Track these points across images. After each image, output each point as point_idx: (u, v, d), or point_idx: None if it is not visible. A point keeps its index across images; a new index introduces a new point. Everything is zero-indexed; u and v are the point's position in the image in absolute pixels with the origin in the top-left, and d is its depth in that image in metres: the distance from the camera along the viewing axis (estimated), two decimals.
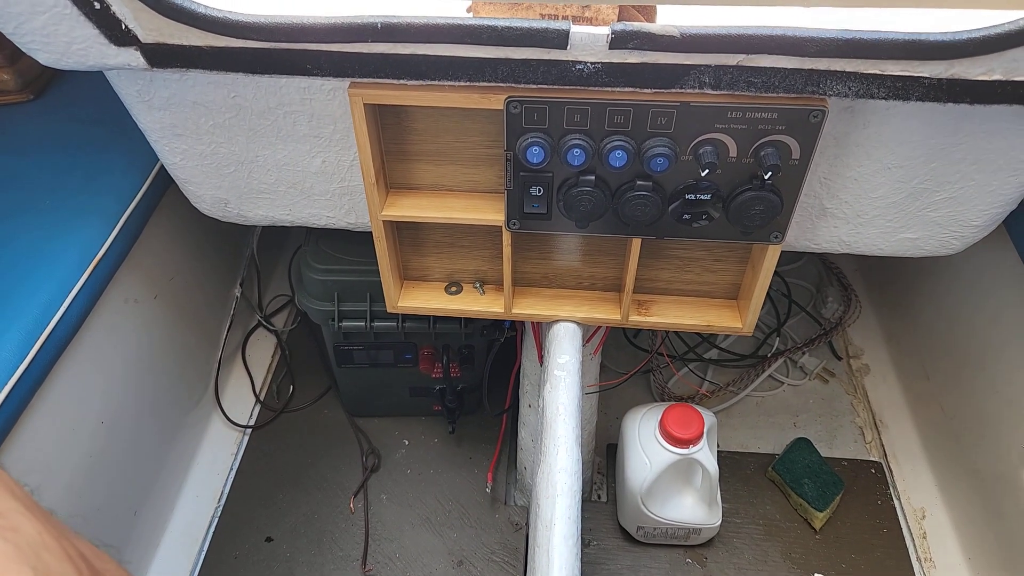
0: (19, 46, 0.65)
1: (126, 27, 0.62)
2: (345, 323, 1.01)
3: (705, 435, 1.01)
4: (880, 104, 0.70)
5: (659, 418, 1.03)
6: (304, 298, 1.01)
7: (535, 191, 0.73)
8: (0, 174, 0.94)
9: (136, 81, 0.74)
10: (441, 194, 0.80)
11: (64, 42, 0.64)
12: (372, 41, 0.62)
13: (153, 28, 0.63)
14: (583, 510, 0.75)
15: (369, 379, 1.18)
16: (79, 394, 0.89)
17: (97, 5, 0.60)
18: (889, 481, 1.21)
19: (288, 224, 0.91)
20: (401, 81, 0.67)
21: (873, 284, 1.46)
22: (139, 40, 0.64)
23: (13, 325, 0.77)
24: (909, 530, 1.15)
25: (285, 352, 1.37)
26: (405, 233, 0.86)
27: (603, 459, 1.26)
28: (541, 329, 0.96)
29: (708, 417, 1.04)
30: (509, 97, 0.66)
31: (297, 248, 1.06)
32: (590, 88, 0.64)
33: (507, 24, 0.59)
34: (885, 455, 1.24)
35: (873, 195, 0.78)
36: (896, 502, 1.18)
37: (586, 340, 0.96)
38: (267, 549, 1.13)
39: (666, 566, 1.12)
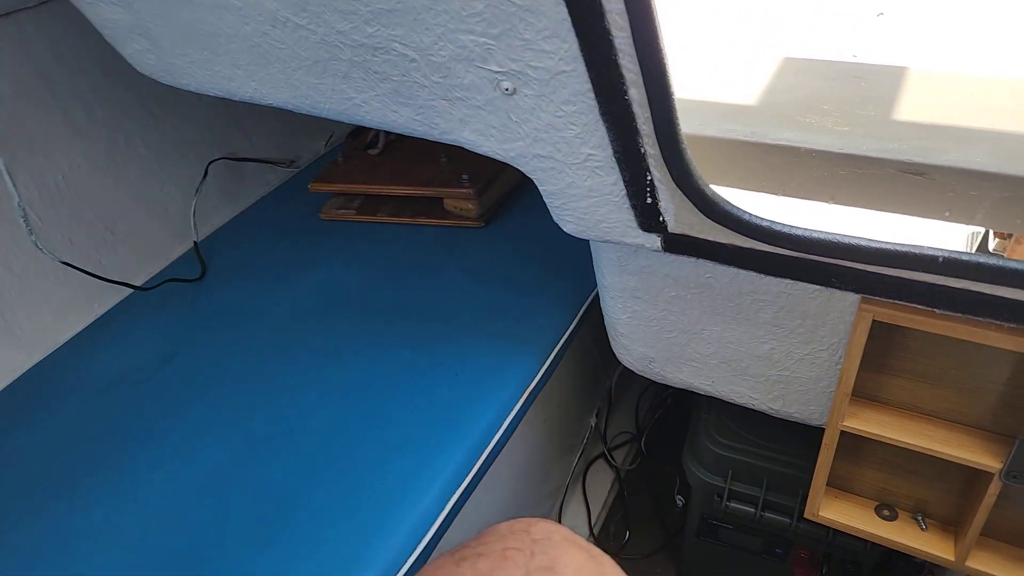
0: (553, 214, 0.73)
1: (663, 219, 0.66)
2: (732, 504, 0.95)
3: None
4: None
5: None
6: (693, 465, 0.98)
7: None
8: (457, 291, 1.07)
9: (622, 250, 0.79)
10: (915, 417, 0.72)
11: (596, 220, 0.70)
12: (923, 272, 0.59)
13: (686, 223, 0.66)
14: None
15: (722, 559, 1.10)
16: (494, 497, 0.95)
17: (649, 200, 0.65)
18: None
19: (704, 393, 0.90)
20: (919, 306, 0.62)
21: None
22: (667, 229, 0.67)
23: (462, 443, 0.85)
24: None
25: (623, 491, 1.35)
26: (846, 441, 0.79)
27: None
28: None
29: None
30: None
31: (692, 410, 1.04)
32: None
33: None
34: None
35: None
36: None
37: None
38: None
39: None
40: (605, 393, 1.43)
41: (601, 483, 1.39)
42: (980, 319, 0.60)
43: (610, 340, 0.94)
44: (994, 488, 0.68)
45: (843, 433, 0.79)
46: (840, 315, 0.69)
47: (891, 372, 0.72)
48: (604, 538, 1.30)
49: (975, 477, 0.70)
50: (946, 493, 0.76)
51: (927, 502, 0.78)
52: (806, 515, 0.81)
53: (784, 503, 0.93)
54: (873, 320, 0.65)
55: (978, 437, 0.69)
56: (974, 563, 0.74)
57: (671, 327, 0.85)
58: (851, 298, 0.66)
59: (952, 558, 0.74)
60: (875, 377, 0.73)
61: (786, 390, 0.82)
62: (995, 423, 0.68)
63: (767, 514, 0.94)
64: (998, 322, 0.59)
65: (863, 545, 0.91)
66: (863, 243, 0.59)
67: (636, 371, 0.94)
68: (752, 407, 0.87)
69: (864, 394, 0.74)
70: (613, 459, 1.40)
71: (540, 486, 1.19)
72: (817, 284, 0.65)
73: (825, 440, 0.75)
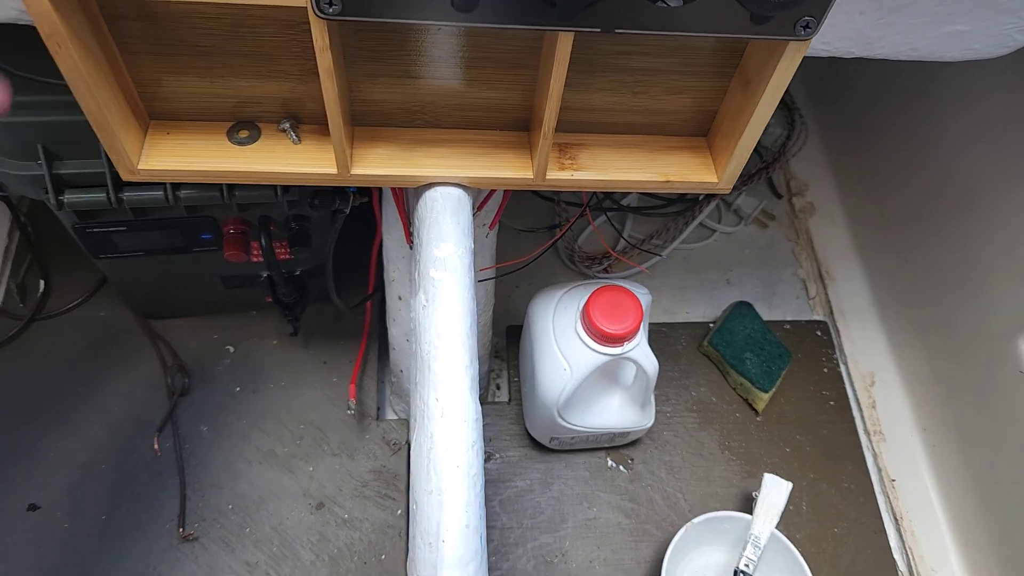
0: None
1: None
2: (71, 196, 0.60)
3: (642, 325, 0.73)
4: None
5: (581, 306, 0.74)
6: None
7: None
8: None
9: None
10: None
11: None
12: None
13: None
14: None
15: (154, 271, 0.80)
16: None
17: None
18: (835, 344, 1.02)
19: None
20: None
21: (822, 102, 1.18)
22: None
23: None
24: (857, 400, 0.98)
25: (28, 229, 0.93)
26: (132, 29, 0.45)
27: (501, 340, 0.98)
28: (407, 195, 0.61)
29: (644, 298, 0.76)
30: None
31: None
32: None
33: None
34: (832, 312, 1.05)
35: None
36: (842, 368, 1.00)
37: (477, 208, 0.62)
38: (32, 520, 0.79)
39: (585, 474, 0.89)
40: None
41: None
42: None
43: None
44: (322, 36, 0.41)
45: (95, 10, 0.44)
46: None
47: None
48: (11, 301, 0.91)
49: (304, 32, 0.43)
50: (304, 76, 0.49)
51: (295, 100, 0.51)
52: (122, 176, 0.49)
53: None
54: None
55: None
56: (363, 168, 0.51)
57: None
58: None
59: (333, 171, 0.51)
60: None
61: None
62: None
63: (129, 193, 0.62)
64: None
65: (272, 189, 0.66)
66: None
67: None
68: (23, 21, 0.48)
69: None
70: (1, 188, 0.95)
71: None
72: None
73: (42, 27, 0.40)
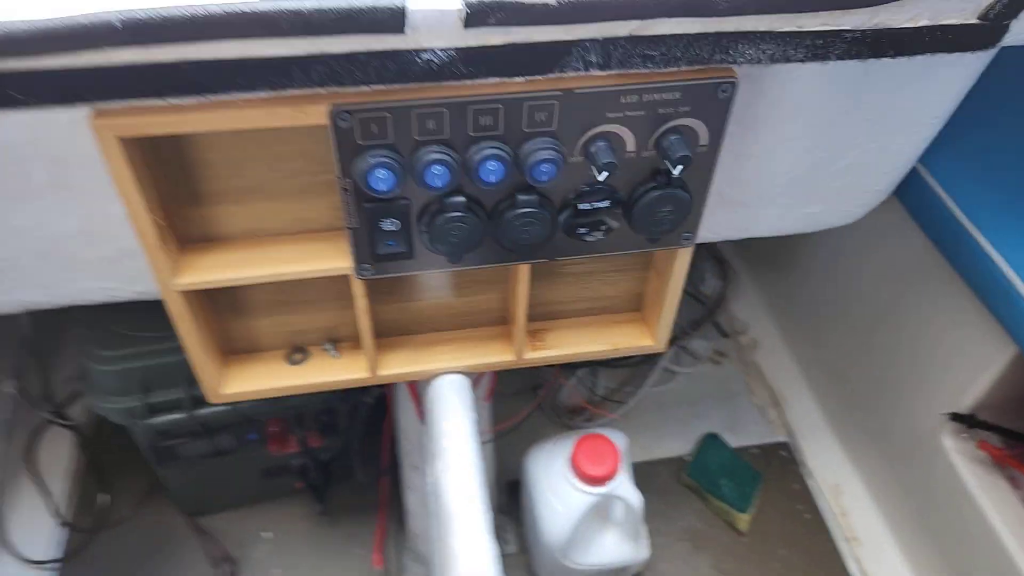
0: None
1: None
2: (158, 419, 0.77)
3: (621, 464, 0.88)
4: (783, 69, 0.59)
5: (568, 455, 0.89)
6: (98, 397, 0.76)
7: (388, 225, 0.55)
8: None
9: None
10: (261, 242, 0.59)
11: None
12: (112, 46, 0.41)
13: None
14: None
15: (205, 472, 0.94)
16: None
17: None
18: (799, 460, 1.16)
19: (52, 307, 0.66)
20: (170, 100, 0.45)
21: (747, 253, 1.41)
22: None
23: None
24: (830, 510, 1.10)
25: (90, 453, 1.08)
26: (219, 298, 0.64)
27: (504, 495, 1.11)
28: (419, 385, 0.78)
29: (621, 441, 0.91)
30: (334, 106, 0.47)
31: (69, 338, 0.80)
32: (444, 84, 0.47)
33: (318, 6, 0.41)
34: (791, 433, 1.20)
35: (775, 172, 0.68)
36: (811, 482, 1.13)
37: (475, 385, 0.79)
38: None
39: None
40: (19, 347, 1.08)
41: (60, 453, 1.09)
42: (249, 95, 0.46)
43: None
44: (359, 289, 0.60)
45: (208, 292, 0.63)
46: (71, 147, 0.51)
47: (211, 201, 0.57)
48: (80, 515, 1.03)
49: (344, 284, 0.62)
50: (341, 309, 0.68)
51: (332, 328, 0.70)
52: (209, 400, 0.66)
53: None
54: (120, 138, 0.47)
55: (332, 240, 0.59)
56: (388, 369, 0.69)
57: None
58: (68, 117, 0.47)
59: (367, 374, 0.68)
60: (200, 212, 0.57)
61: (140, 263, 0.62)
62: (338, 217, 0.60)
63: (201, 412, 0.78)
64: (272, 93, 0.46)
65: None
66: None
67: None
68: (121, 300, 0.67)
69: (201, 236, 0.59)
70: (68, 418, 1.10)
71: None
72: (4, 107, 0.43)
73: (171, 310, 0.58)
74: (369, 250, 0.56)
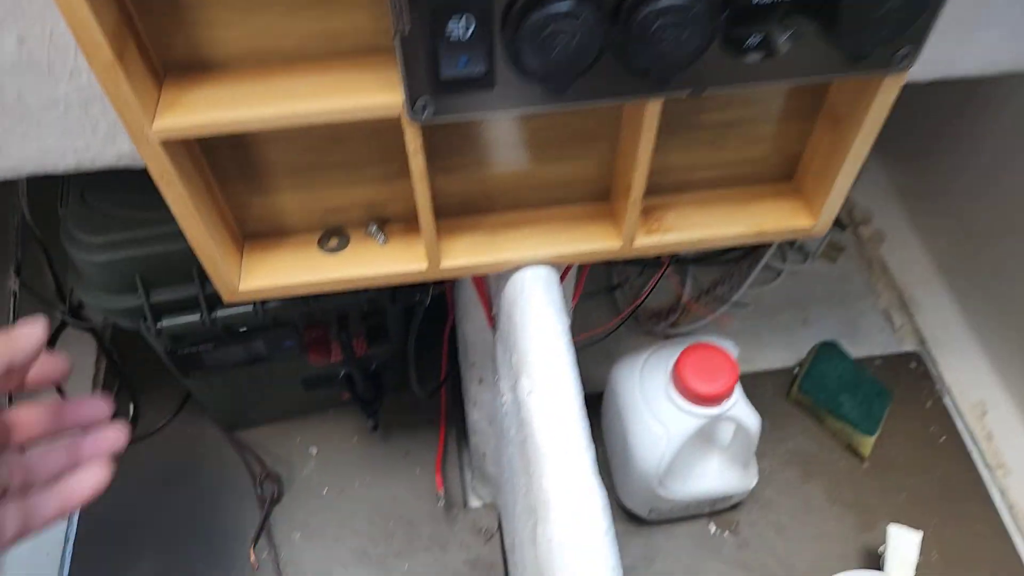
0: None
1: None
2: (166, 322, 0.61)
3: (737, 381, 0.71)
4: None
5: (670, 368, 0.71)
6: (86, 294, 0.61)
7: (458, 30, 0.35)
8: None
9: None
10: (271, 70, 0.41)
11: None
12: None
13: None
14: None
15: (237, 382, 0.80)
16: None
17: None
18: (934, 375, 0.97)
19: (9, 178, 0.50)
20: None
21: None
22: None
23: None
24: (970, 433, 0.92)
25: (113, 356, 0.95)
26: (224, 159, 0.47)
27: None
28: (488, 278, 0.61)
29: (734, 350, 0.74)
30: None
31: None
32: None
33: None
34: (923, 342, 1.00)
35: None
36: (948, 400, 0.95)
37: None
38: None
39: (689, 545, 0.85)
40: (19, 235, 0.94)
41: (80, 358, 0.97)
42: None
43: None
44: (414, 139, 0.42)
45: (206, 146, 0.46)
46: None
47: (197, 2, 0.38)
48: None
49: (392, 135, 0.44)
50: (386, 179, 0.50)
51: (377, 203, 0.52)
52: (224, 299, 0.50)
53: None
54: None
55: (370, 66, 0.40)
56: (453, 260, 0.51)
57: None
58: None
59: (424, 266, 0.51)
60: (182, 25, 0.39)
61: (104, 109, 0.45)
62: (386, 32, 0.40)
63: (220, 313, 0.62)
64: None
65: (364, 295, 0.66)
66: None
67: None
68: (101, 166, 0.50)
69: (187, 60, 0.40)
70: (86, 318, 0.97)
71: None
72: None
73: (153, 171, 0.41)
74: (429, 74, 0.37)
